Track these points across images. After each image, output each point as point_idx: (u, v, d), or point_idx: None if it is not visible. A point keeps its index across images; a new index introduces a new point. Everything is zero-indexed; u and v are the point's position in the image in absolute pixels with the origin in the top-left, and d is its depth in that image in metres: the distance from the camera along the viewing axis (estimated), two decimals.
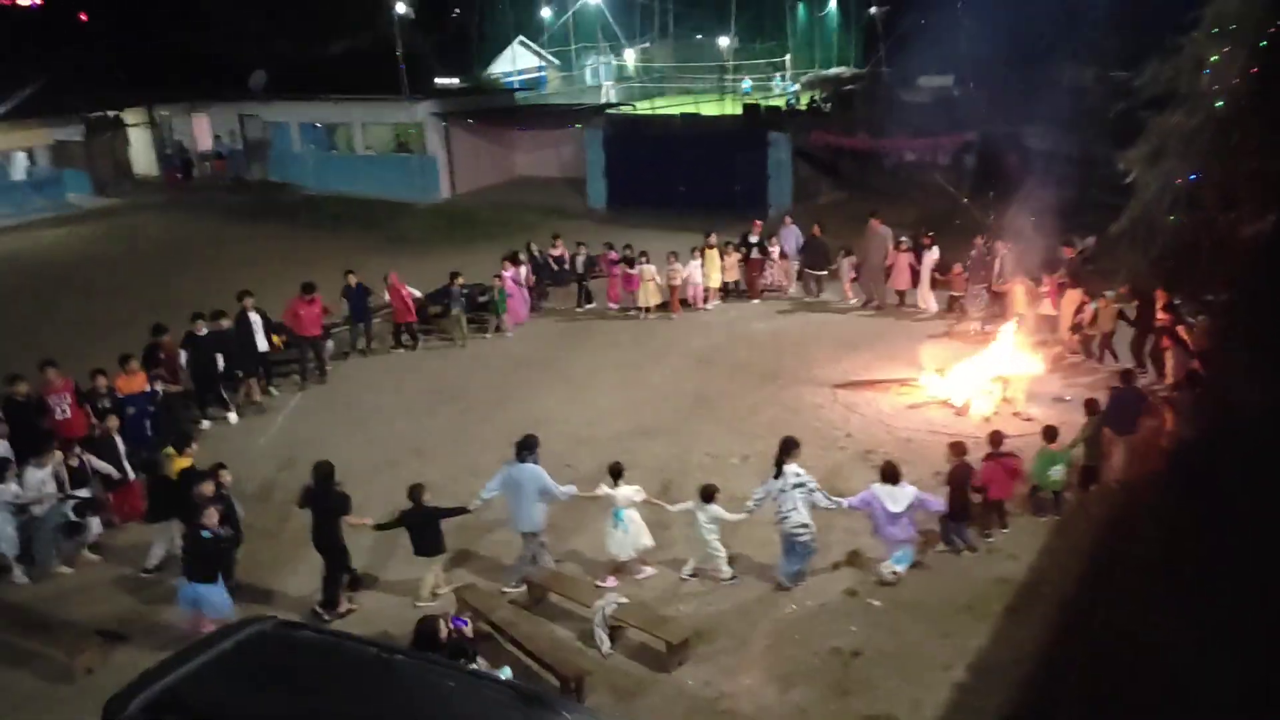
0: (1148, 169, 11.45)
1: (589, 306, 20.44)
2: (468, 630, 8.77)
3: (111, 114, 34.90)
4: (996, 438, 11.71)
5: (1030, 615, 9.78)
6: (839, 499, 10.65)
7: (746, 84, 54.76)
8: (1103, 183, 17.53)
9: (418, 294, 18.46)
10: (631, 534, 10.47)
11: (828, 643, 9.52)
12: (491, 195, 32.67)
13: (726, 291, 20.65)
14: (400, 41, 29.96)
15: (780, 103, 42.15)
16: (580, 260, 20.43)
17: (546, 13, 60.44)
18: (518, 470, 10.27)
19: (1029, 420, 14.19)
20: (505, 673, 8.18)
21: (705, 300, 20.17)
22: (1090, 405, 12.33)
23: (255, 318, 15.59)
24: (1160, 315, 14.64)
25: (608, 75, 61.12)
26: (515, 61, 55.36)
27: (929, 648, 9.42)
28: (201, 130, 37.00)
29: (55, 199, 32.33)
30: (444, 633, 8.08)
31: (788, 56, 57.95)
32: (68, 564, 11.28)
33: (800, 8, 62.74)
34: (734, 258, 20.51)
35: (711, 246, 20.13)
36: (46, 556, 11.08)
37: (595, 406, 15.49)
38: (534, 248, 20.61)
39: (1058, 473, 11.61)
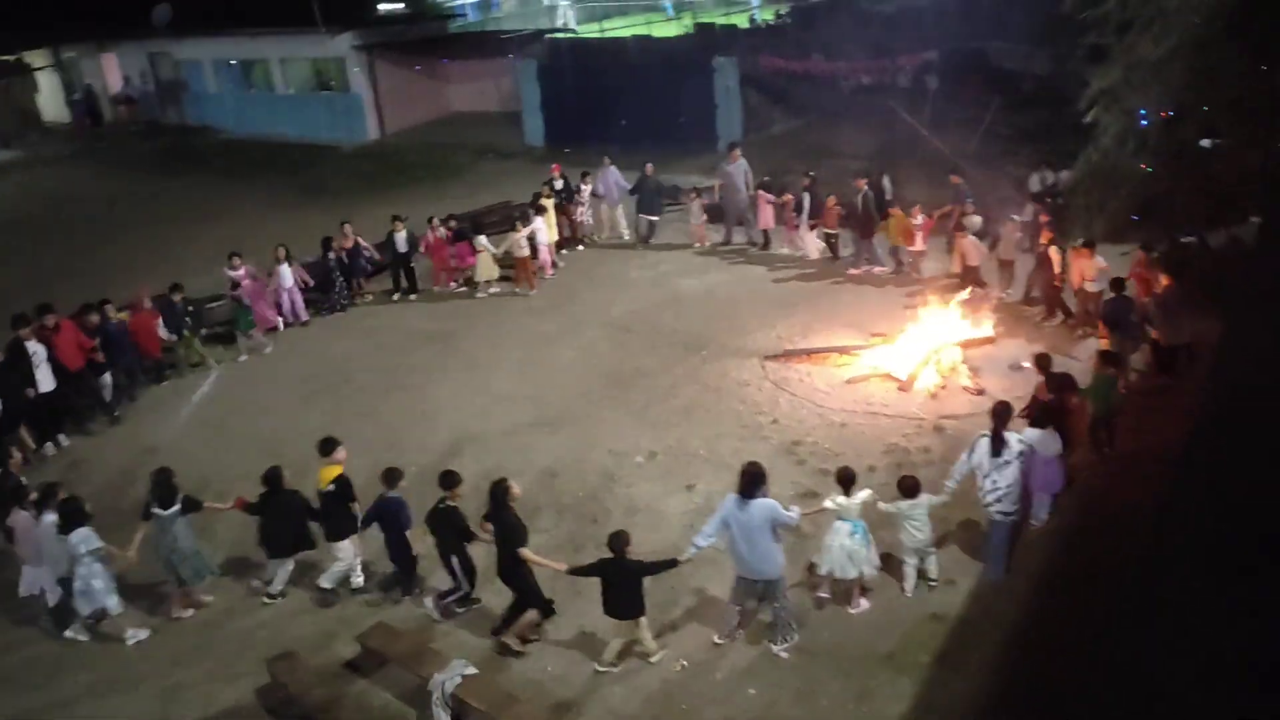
0: (1109, 107, 9.53)
1: (412, 297, 17.37)
2: None
3: (11, 58, 32.20)
4: (1044, 360, 10.64)
5: (964, 668, 8.11)
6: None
7: (668, 6, 51.15)
8: (1079, 107, 15.51)
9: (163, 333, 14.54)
10: (869, 550, 8.68)
11: (720, 712, 7.86)
12: (423, 134, 30.29)
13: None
14: None
15: (740, 20, 39.27)
16: (401, 239, 17.06)
17: None
18: (745, 508, 8.18)
19: (980, 394, 12.44)
20: None
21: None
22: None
23: (37, 349, 12.38)
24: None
25: None
26: None
27: (840, 716, 7.77)
28: (111, 72, 34.31)
29: None
30: None
31: None
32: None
33: None
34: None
35: (549, 197, 18.28)
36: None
37: (492, 393, 13.64)
38: (334, 243, 16.83)
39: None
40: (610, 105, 26.33)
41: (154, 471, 9.46)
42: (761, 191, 17.94)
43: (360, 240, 17.14)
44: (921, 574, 9.07)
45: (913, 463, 11.05)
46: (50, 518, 9.09)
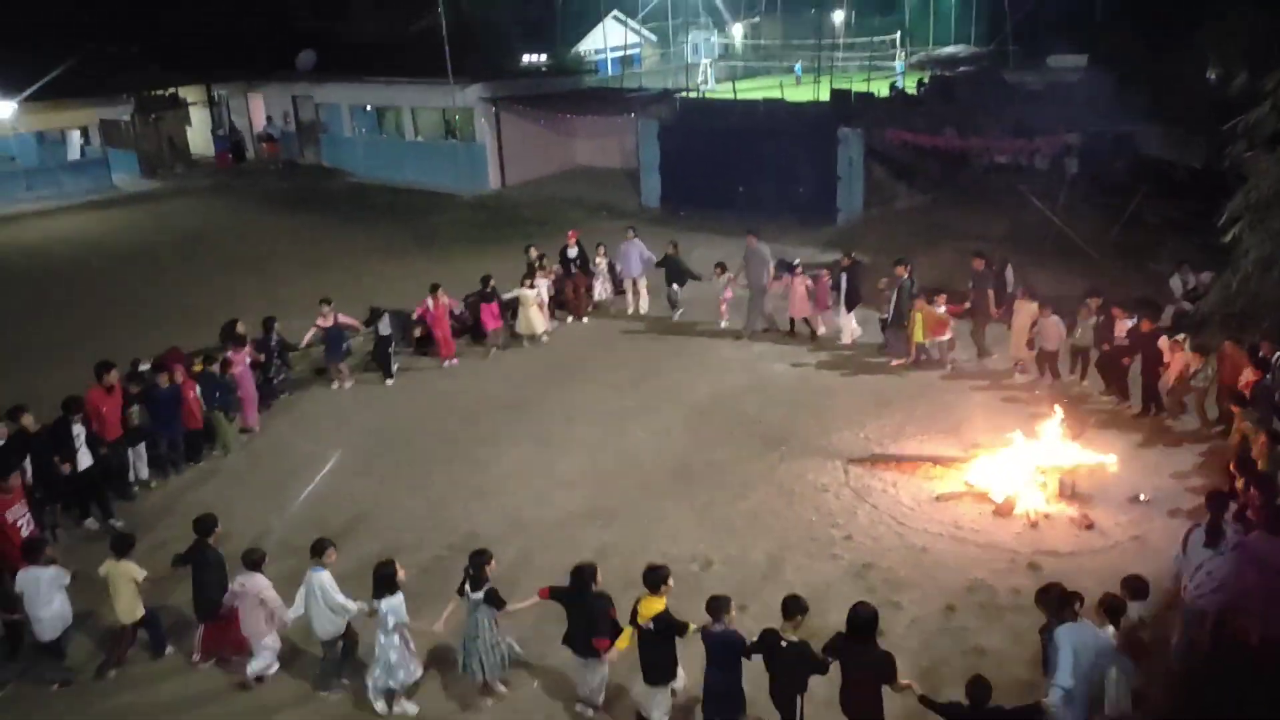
0: (1254, 226, 8.16)
1: (388, 383, 16.04)
2: None
3: (167, 92, 33.85)
4: (1248, 464, 9.56)
5: None
6: None
7: (797, 67, 50.57)
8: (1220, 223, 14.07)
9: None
10: None
11: None
12: (544, 187, 30.24)
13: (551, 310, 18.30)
14: (444, 20, 27.53)
15: (881, 87, 38.19)
16: (385, 321, 15.94)
17: None
18: (1101, 639, 7.31)
19: (1089, 528, 11.00)
20: None
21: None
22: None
23: (80, 430, 11.54)
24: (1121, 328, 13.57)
25: (707, 53, 57.78)
26: (606, 38, 52.60)
27: None
28: (257, 111, 35.73)
29: (99, 181, 31.42)
30: None
31: (898, 34, 53.43)
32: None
33: None
34: (550, 273, 18.37)
35: (538, 259, 18.13)
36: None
37: (553, 473, 12.88)
38: (276, 327, 15.31)
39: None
40: (730, 170, 25.67)
41: (473, 553, 8.57)
42: (798, 275, 16.89)
43: (341, 318, 15.62)
44: None
45: (999, 605, 9.76)
46: (321, 572, 8.59)
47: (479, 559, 8.44)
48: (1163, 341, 13.18)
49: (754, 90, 39.15)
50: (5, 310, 20.18)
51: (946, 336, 15.41)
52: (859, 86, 35.84)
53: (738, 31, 63.68)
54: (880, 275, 16.88)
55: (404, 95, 31.50)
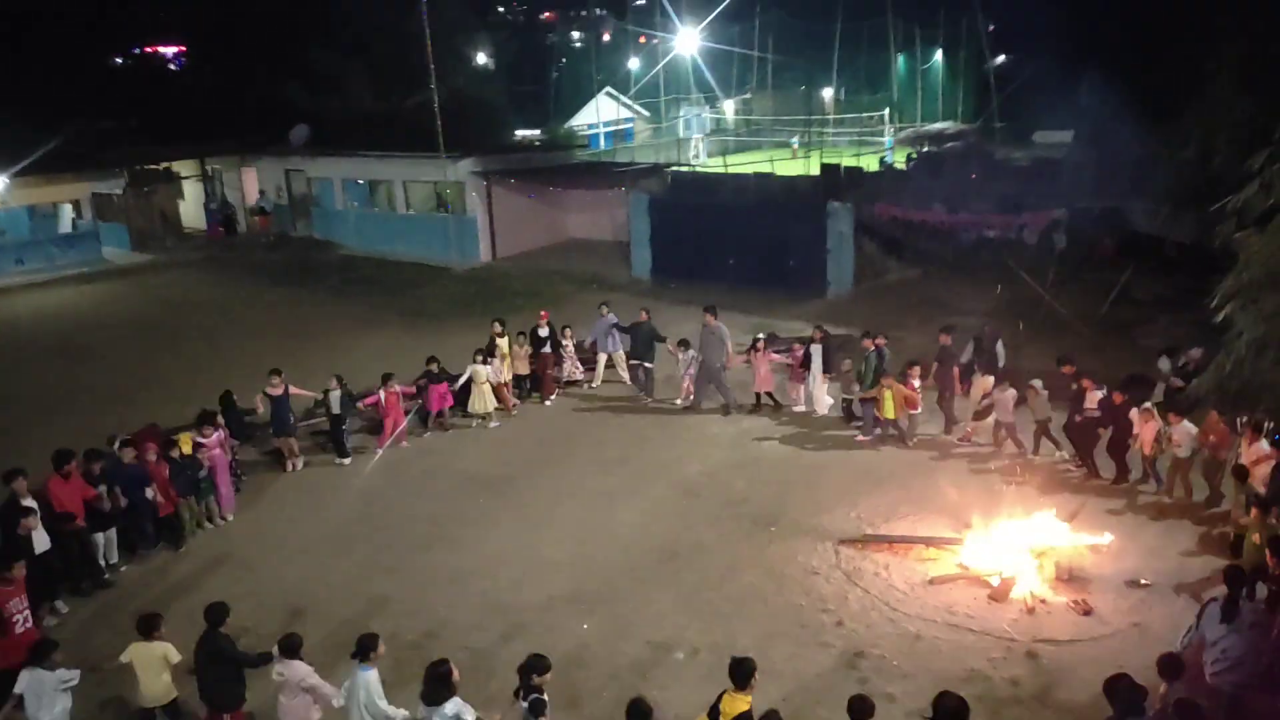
0: (1246, 306, 8.02)
1: (345, 461, 15.54)
2: None
3: (160, 166, 34.02)
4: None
5: None
6: None
7: (794, 140, 51.49)
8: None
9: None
10: None
11: None
12: (535, 260, 30.24)
13: (519, 388, 18.16)
14: (437, 95, 27.78)
15: (867, 162, 38.68)
16: (335, 398, 15.33)
17: (635, 63, 58.38)
18: None
19: (1087, 613, 10.64)
20: None
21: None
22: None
23: (31, 504, 11.05)
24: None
25: (699, 127, 58.57)
26: (599, 113, 53.37)
27: None
28: (250, 184, 35.89)
29: (89, 254, 31.38)
30: None
31: (886, 110, 54.29)
32: None
33: (900, 59, 59.12)
34: (523, 351, 17.95)
35: (501, 336, 17.73)
36: None
37: (536, 555, 12.50)
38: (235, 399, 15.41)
39: None
40: (720, 243, 25.73)
41: (530, 656, 7.89)
42: (760, 351, 16.78)
43: (293, 389, 15.19)
44: None
45: (996, 697, 9.38)
46: (368, 672, 8.02)
47: (531, 667, 7.76)
48: (1133, 412, 13.29)
49: (745, 164, 39.52)
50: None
51: (918, 411, 15.32)
52: (849, 161, 36.31)
53: (729, 107, 64.74)
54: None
55: (396, 169, 31.65)
